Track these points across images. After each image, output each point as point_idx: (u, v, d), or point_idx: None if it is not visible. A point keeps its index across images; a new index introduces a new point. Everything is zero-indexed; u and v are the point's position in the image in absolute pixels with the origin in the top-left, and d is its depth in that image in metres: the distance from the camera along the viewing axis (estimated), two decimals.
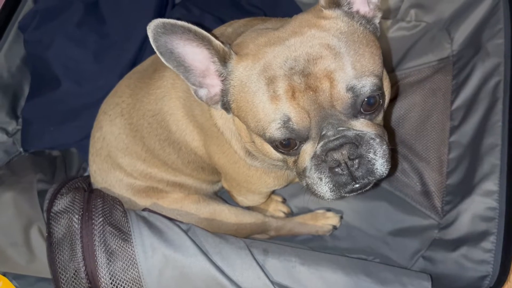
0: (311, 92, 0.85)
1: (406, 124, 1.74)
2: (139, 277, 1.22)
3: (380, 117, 0.95)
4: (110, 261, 1.25)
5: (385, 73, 0.95)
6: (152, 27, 0.87)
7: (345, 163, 0.88)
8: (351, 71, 0.85)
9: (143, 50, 1.68)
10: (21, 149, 1.67)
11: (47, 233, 1.25)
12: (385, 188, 1.70)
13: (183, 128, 1.24)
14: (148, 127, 1.29)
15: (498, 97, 1.57)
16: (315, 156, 0.90)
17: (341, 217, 1.66)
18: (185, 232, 1.31)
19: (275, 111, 0.86)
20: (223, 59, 0.92)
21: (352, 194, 0.95)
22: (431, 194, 1.63)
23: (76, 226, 1.26)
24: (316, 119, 0.87)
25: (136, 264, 1.25)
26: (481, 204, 1.44)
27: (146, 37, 0.89)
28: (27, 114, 1.66)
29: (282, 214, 1.66)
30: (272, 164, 1.16)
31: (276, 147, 0.94)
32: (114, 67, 1.65)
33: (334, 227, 1.62)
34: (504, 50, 1.62)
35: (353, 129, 0.88)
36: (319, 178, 0.91)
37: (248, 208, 1.57)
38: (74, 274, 1.23)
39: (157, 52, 0.90)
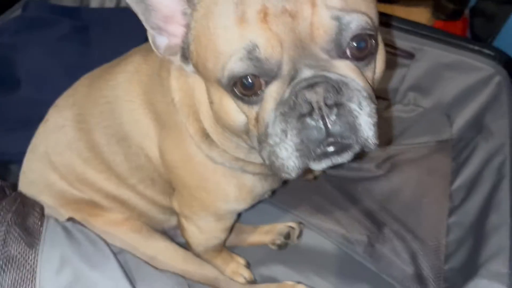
0: (288, 18, 0.68)
1: (399, 198, 1.53)
2: None
3: (370, 73, 0.76)
4: (3, 270, 0.94)
5: (379, 37, 0.80)
6: None
7: (320, 109, 0.67)
8: (339, 2, 0.69)
9: None
10: None
11: None
12: (370, 269, 1.41)
13: (137, 118, 1.04)
14: (98, 116, 1.09)
15: (504, 175, 1.40)
16: (281, 102, 0.69)
17: None
18: (113, 252, 1.02)
19: (239, 38, 0.69)
20: None
21: (323, 162, 0.71)
22: (426, 279, 1.35)
23: None
24: (290, 54, 0.69)
25: (34, 278, 0.93)
26: None
27: None
28: None
29: (242, 280, 1.34)
30: (234, 155, 0.93)
31: (236, 95, 0.73)
32: None
33: None
34: (509, 131, 1.49)
35: (335, 72, 0.69)
36: (283, 132, 0.69)
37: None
38: None
39: None
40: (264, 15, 0.68)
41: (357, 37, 0.70)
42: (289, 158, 0.70)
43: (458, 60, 1.69)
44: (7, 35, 1.54)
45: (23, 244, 0.97)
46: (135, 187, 1.14)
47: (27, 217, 1.05)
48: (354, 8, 0.70)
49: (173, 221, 1.28)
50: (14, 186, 1.27)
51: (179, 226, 1.18)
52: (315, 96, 0.67)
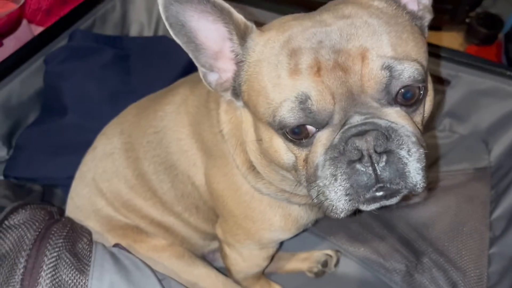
0: (340, 72, 0.70)
1: (437, 227, 1.51)
2: None
3: (418, 117, 0.77)
4: None
5: (429, 77, 0.81)
6: None
7: (369, 156, 0.69)
8: (390, 51, 0.71)
9: None
10: (1, 177, 1.49)
11: None
12: None
13: (185, 148, 1.07)
14: (146, 145, 1.13)
15: None
16: (331, 147, 0.71)
17: None
18: (158, 279, 1.04)
19: (292, 88, 0.71)
20: (243, 36, 0.80)
21: (372, 205, 0.72)
22: None
23: (28, 242, 1.01)
24: (342, 105, 0.70)
25: None
26: None
27: None
28: (22, 140, 1.53)
29: None
30: (279, 187, 0.94)
31: (286, 137, 0.75)
32: None
33: None
34: None
35: (385, 119, 0.71)
36: (333, 176, 0.70)
37: None
38: None
39: (166, 23, 0.77)
40: (318, 69, 0.70)
41: (407, 87, 0.71)
42: (338, 201, 0.71)
43: (494, 87, 1.67)
44: (55, 63, 1.61)
45: (74, 270, 1.00)
46: (180, 214, 1.16)
47: (76, 242, 1.08)
48: (405, 55, 0.71)
49: (212, 246, 1.30)
50: (60, 210, 1.31)
51: (221, 253, 1.20)
52: (365, 144, 0.68)
